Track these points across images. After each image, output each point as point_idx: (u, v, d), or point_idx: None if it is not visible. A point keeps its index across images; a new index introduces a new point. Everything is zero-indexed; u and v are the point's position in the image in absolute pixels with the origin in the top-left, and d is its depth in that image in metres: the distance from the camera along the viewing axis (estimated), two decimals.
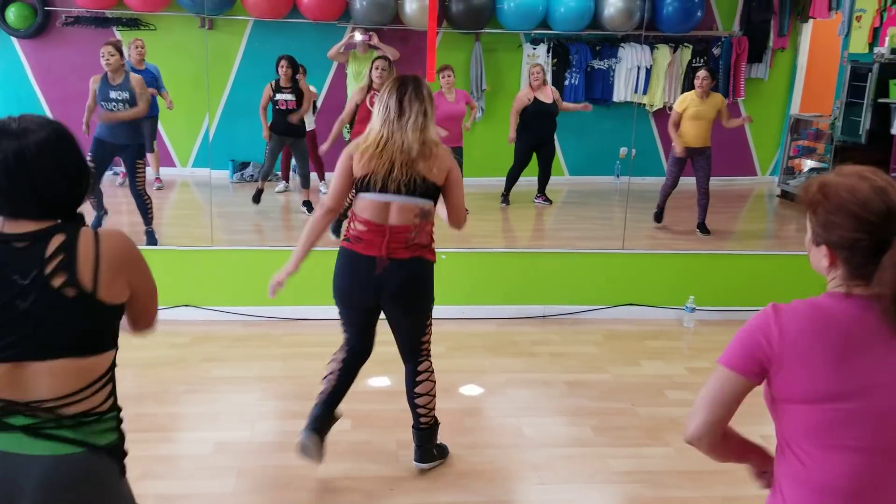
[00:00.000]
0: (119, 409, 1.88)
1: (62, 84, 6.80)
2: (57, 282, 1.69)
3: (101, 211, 6.01)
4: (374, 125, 3.10)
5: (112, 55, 5.70)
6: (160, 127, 8.18)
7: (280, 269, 3.23)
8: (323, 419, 3.35)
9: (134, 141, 5.85)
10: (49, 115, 6.88)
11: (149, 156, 7.57)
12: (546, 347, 4.92)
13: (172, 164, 8.41)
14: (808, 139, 8.56)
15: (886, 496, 1.56)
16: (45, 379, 1.72)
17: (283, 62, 6.97)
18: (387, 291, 3.17)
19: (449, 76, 7.02)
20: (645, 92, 8.84)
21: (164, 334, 4.90)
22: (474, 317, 5.34)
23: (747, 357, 1.57)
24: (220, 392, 4.20)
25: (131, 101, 5.78)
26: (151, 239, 5.79)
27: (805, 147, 8.61)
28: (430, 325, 3.38)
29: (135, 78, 5.87)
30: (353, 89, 7.50)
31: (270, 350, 4.75)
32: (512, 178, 7.64)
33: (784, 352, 1.53)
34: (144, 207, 5.90)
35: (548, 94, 7.39)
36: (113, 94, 5.75)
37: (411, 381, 3.39)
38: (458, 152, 7.08)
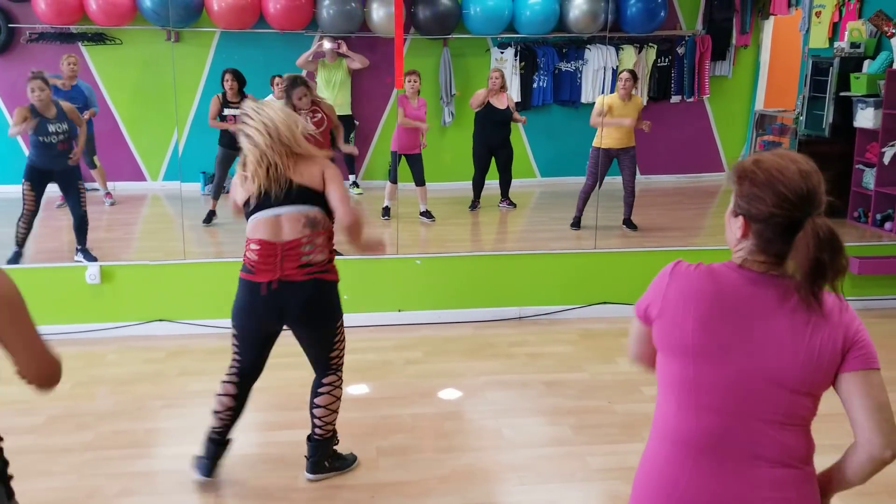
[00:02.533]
0: None
1: (27, 100, 6.68)
2: None
3: (22, 248, 5.74)
4: (245, 153, 3.10)
5: (43, 90, 5.50)
6: (130, 141, 8.14)
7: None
8: (218, 454, 3.39)
9: (61, 166, 5.71)
10: (21, 141, 6.78)
11: (93, 172, 7.46)
12: (523, 348, 4.95)
13: (143, 178, 8.36)
14: (774, 134, 8.68)
15: (733, 452, 1.65)
16: None
17: (227, 76, 6.93)
18: (288, 316, 3.17)
19: (414, 81, 7.03)
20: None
21: (139, 349, 4.91)
22: (450, 321, 5.36)
23: (644, 306, 1.76)
24: (197, 406, 4.16)
25: (72, 131, 5.69)
26: (89, 256, 5.66)
27: (770, 142, 8.73)
28: (340, 340, 3.35)
29: (67, 107, 5.75)
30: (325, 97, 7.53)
31: None
32: (476, 185, 7.64)
33: (665, 305, 1.69)
34: (85, 228, 5.79)
35: (502, 101, 7.41)
36: (52, 128, 5.58)
37: (314, 391, 3.37)
38: (416, 159, 7.10)
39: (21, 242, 5.70)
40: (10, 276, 1.72)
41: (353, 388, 4.32)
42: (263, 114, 3.04)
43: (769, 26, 9.11)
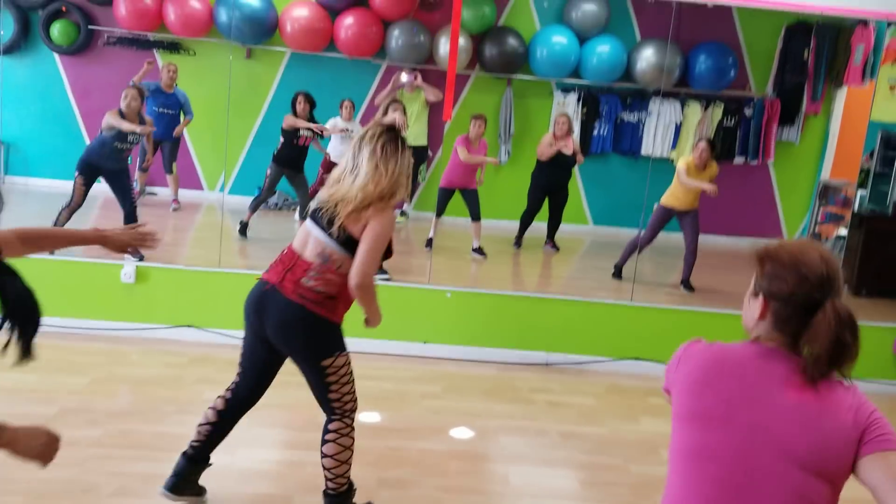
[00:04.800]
0: None
1: (98, 101, 6.95)
2: None
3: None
4: (338, 169, 3.08)
5: (136, 99, 5.93)
6: (191, 149, 8.33)
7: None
8: (186, 472, 3.24)
9: (123, 167, 5.97)
10: (83, 130, 7.06)
11: (168, 177, 7.70)
12: (545, 395, 4.84)
13: (200, 188, 8.52)
14: (837, 206, 8.43)
15: None
16: None
17: (300, 98, 7.04)
18: (266, 328, 3.04)
19: (479, 126, 7.02)
20: (674, 147, 8.80)
21: (163, 353, 4.95)
22: (475, 358, 5.29)
23: (667, 381, 1.82)
24: None
25: (140, 143, 6.01)
26: (137, 253, 5.65)
27: (833, 214, 8.48)
28: (337, 383, 3.05)
29: (147, 121, 6.12)
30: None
31: None
32: (524, 223, 7.63)
33: (678, 377, 1.75)
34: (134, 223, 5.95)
35: (569, 146, 7.39)
36: (130, 137, 5.92)
37: (322, 437, 3.14)
38: (472, 194, 7.08)
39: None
40: None
41: (364, 416, 4.26)
42: (391, 159, 2.99)
43: (842, 96, 8.90)
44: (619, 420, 4.57)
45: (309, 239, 3.03)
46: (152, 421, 4.03)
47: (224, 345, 5.16)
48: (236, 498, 3.40)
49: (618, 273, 6.74)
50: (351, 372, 3.10)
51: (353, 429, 3.13)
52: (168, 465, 3.59)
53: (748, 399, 1.62)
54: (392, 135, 3.04)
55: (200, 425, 3.24)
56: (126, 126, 5.80)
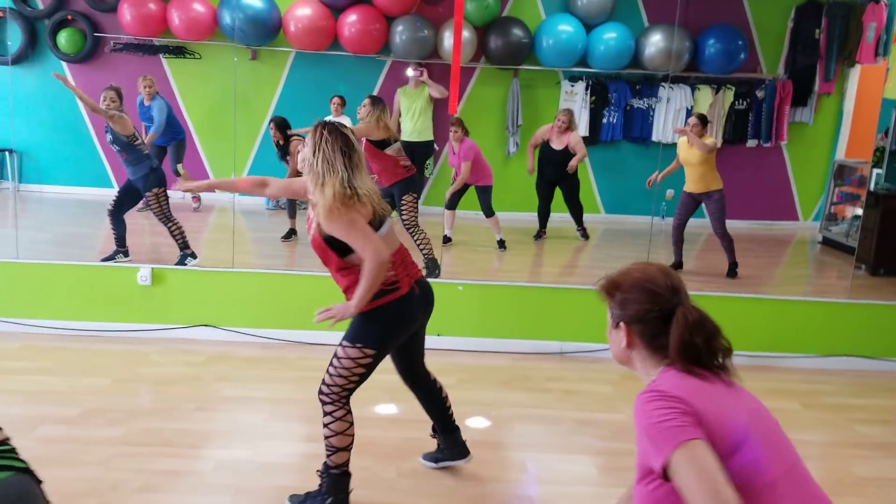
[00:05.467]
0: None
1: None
2: None
3: (120, 247, 5.97)
4: (342, 177, 3.01)
5: (113, 101, 5.92)
6: (202, 152, 8.37)
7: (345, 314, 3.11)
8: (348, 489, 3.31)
9: (138, 174, 5.96)
10: (94, 137, 7.12)
11: (178, 179, 7.75)
12: (560, 384, 4.85)
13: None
14: (853, 185, 8.36)
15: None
16: None
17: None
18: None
19: (455, 131, 7.01)
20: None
21: (181, 352, 5.00)
22: (490, 349, 5.30)
23: (689, 425, 1.56)
24: (228, 412, 4.22)
25: (118, 143, 5.91)
26: (181, 261, 5.85)
27: (849, 193, 8.41)
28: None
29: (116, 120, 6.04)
30: (405, 125, 7.70)
31: (283, 373, 4.77)
32: (541, 215, 7.63)
33: (697, 414, 1.60)
34: (171, 234, 5.97)
35: (563, 141, 7.35)
36: (108, 137, 5.98)
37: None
38: (485, 190, 7.10)
39: (117, 241, 6.02)
40: None
41: (381, 408, 4.30)
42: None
43: (855, 74, 8.81)
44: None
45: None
46: (173, 419, 4.08)
47: (240, 343, 5.20)
48: (260, 490, 3.43)
49: (676, 268, 6.71)
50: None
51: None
52: (190, 460, 3.66)
53: (736, 412, 1.65)
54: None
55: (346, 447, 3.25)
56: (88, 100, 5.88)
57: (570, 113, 7.51)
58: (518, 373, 4.98)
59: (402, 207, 5.94)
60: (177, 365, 4.81)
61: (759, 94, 8.80)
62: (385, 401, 4.33)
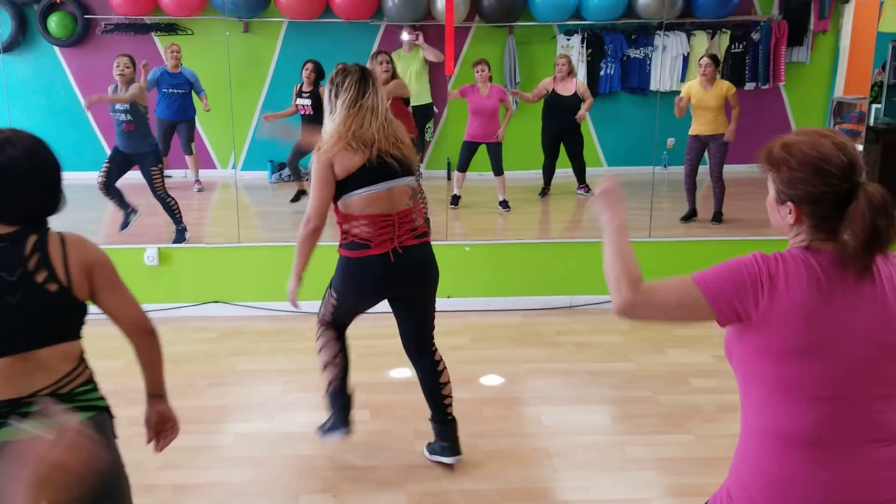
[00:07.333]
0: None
1: (102, 89, 6.94)
2: (40, 277, 1.88)
3: (128, 209, 6.05)
4: (338, 121, 3.07)
5: (128, 67, 5.97)
6: (200, 130, 8.35)
7: (290, 288, 3.26)
8: (348, 406, 3.45)
9: (144, 149, 5.96)
10: (92, 120, 7.08)
11: (187, 158, 7.76)
12: (570, 337, 4.89)
13: (214, 167, 8.56)
14: (852, 122, 8.31)
15: (847, 439, 1.59)
16: (44, 365, 1.92)
17: (308, 65, 7.06)
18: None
19: (483, 70, 7.01)
20: (682, 80, 8.68)
21: (193, 330, 5.04)
22: (499, 308, 5.33)
23: (727, 306, 1.61)
24: (243, 385, 4.28)
25: (134, 113, 5.93)
26: (179, 237, 5.87)
27: (849, 130, 8.36)
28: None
29: (133, 87, 6.07)
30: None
31: (295, 344, 4.81)
32: (546, 172, 7.61)
33: (775, 309, 1.58)
34: (170, 209, 5.99)
35: (569, 87, 7.32)
36: (119, 107, 5.94)
37: None
38: (495, 148, 7.07)
39: (121, 205, 6.07)
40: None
41: (396, 372, 4.34)
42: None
43: (849, 10, 8.71)
44: (645, 354, 4.61)
45: (393, 195, 3.17)
46: (189, 395, 4.13)
47: (251, 317, 5.25)
48: (278, 461, 3.49)
49: (689, 216, 6.72)
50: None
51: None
52: (209, 435, 3.72)
53: (846, 317, 1.57)
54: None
55: (329, 361, 3.40)
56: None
57: (568, 57, 7.48)
58: (529, 329, 5.02)
59: None
60: (190, 342, 4.86)
61: (755, 36, 8.72)
62: (399, 365, 4.38)
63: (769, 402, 1.63)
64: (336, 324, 3.37)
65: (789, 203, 1.62)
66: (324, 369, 3.40)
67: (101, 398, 2.11)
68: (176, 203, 6.02)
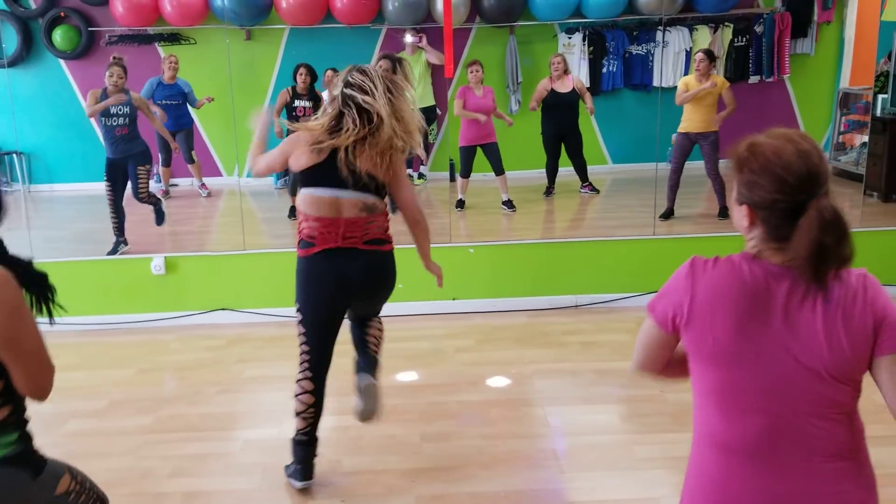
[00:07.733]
0: (24, 423, 1.86)
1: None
2: None
3: (120, 237, 6.03)
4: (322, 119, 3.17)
5: (121, 77, 6.00)
6: (206, 138, 8.40)
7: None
8: (309, 455, 3.33)
9: (134, 150, 6.07)
10: (97, 129, 7.11)
11: (190, 167, 7.81)
12: (577, 337, 4.89)
13: (219, 174, 8.59)
14: (859, 113, 8.27)
15: (787, 455, 1.57)
16: None
17: (302, 70, 7.10)
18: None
19: (476, 71, 7.02)
20: (686, 74, 8.66)
21: (201, 337, 5.07)
22: (504, 309, 5.34)
23: (667, 313, 1.65)
24: (251, 392, 4.30)
25: (132, 116, 6.03)
26: (160, 218, 6.22)
27: (856, 121, 8.32)
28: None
29: (135, 97, 6.18)
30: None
31: None
32: (549, 171, 7.61)
33: (693, 310, 1.60)
34: (151, 205, 6.23)
35: (566, 85, 7.32)
36: (113, 110, 5.98)
37: None
38: (492, 148, 7.08)
39: (116, 230, 6.06)
40: (15, 283, 1.71)
41: (402, 375, 4.35)
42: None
43: (853, 0, 8.67)
44: None
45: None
46: (198, 403, 4.15)
47: (258, 323, 5.27)
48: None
49: (667, 215, 6.69)
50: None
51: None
52: (218, 443, 3.74)
53: (776, 331, 1.54)
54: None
55: (301, 412, 3.26)
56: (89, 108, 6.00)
57: (562, 55, 7.49)
58: (534, 329, 5.03)
59: None
60: (197, 350, 4.88)
61: (758, 28, 8.69)
62: (406, 368, 4.39)
63: (706, 408, 1.64)
64: (312, 363, 3.24)
65: (745, 205, 1.58)
66: (295, 416, 3.28)
67: (12, 443, 1.79)
68: (157, 199, 6.22)
